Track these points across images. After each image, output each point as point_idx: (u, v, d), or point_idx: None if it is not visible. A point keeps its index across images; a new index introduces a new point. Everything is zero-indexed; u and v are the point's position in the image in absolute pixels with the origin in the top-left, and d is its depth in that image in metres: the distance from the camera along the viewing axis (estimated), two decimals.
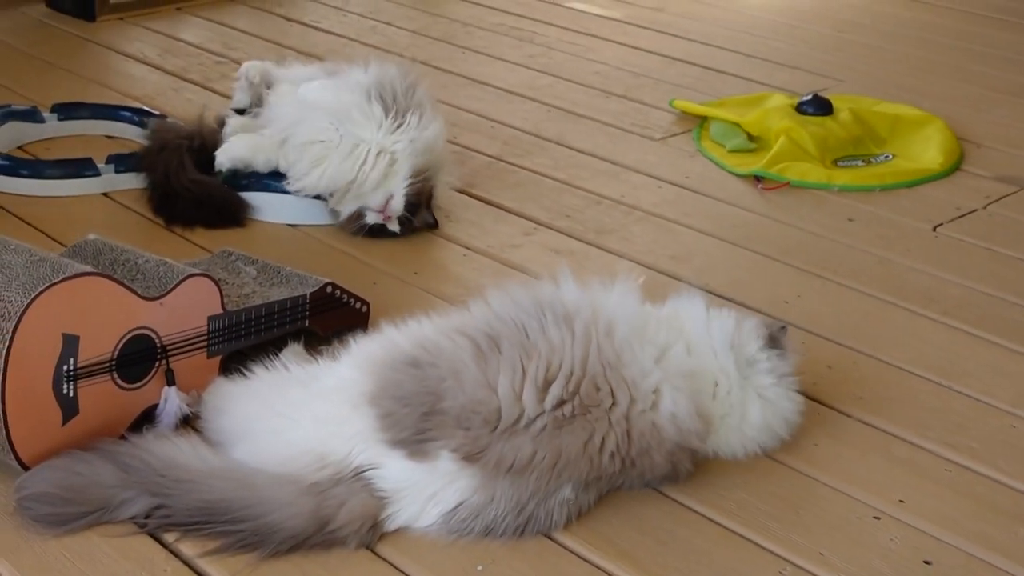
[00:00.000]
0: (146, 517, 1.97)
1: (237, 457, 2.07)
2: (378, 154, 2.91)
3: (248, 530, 1.93)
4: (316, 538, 1.94)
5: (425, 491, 1.99)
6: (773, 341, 2.26)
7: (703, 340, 2.19)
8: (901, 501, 2.15)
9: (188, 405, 2.21)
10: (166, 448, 2.06)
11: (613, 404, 2.03)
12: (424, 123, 2.99)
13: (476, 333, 2.07)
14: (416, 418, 1.98)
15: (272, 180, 3.06)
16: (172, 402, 2.20)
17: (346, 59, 3.38)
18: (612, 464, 2.04)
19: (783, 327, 2.30)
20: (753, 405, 2.19)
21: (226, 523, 1.94)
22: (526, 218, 3.18)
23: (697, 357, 2.16)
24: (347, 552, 1.95)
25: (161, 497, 1.97)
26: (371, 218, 2.95)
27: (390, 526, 1.99)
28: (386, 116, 2.95)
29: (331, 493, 1.98)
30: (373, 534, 1.97)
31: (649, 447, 2.06)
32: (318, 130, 2.94)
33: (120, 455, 2.03)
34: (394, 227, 2.96)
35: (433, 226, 3.03)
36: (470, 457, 1.97)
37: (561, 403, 2.00)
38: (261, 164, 3.05)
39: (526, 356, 2.03)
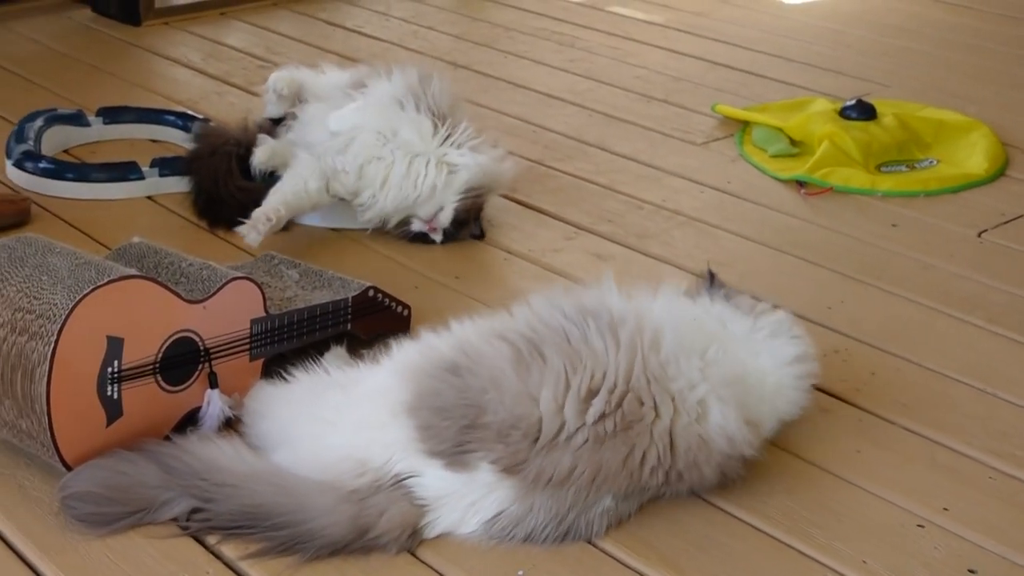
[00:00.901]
0: (187, 519, 1.99)
1: (278, 462, 2.08)
2: (437, 164, 2.93)
3: (288, 536, 1.94)
4: (356, 544, 1.95)
5: (464, 500, 1.99)
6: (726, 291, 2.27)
7: (729, 337, 2.17)
8: (945, 509, 2.13)
9: (231, 408, 2.23)
10: (209, 450, 2.07)
11: (656, 418, 2.01)
12: (490, 147, 3.03)
13: (518, 339, 2.05)
14: (456, 431, 1.97)
15: None
16: (215, 404, 2.21)
17: (379, 62, 3.40)
18: (654, 478, 2.02)
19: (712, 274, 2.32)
20: (775, 348, 2.18)
21: (266, 529, 1.95)
22: (567, 222, 3.18)
23: (732, 356, 2.13)
24: (387, 556, 1.96)
25: (202, 500, 1.99)
26: (417, 226, 2.96)
27: (430, 533, 1.99)
28: (438, 126, 2.97)
29: (371, 501, 1.98)
30: (413, 541, 1.98)
31: (697, 460, 2.03)
32: (370, 147, 2.94)
33: (163, 456, 2.04)
34: (437, 237, 2.97)
35: (479, 237, 3.04)
36: (509, 470, 1.96)
37: (603, 417, 1.98)
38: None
39: (570, 366, 2.00)
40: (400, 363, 2.11)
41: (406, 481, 2.00)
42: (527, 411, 1.96)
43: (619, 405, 1.99)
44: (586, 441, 1.96)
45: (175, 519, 1.99)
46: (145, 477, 2.02)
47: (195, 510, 1.99)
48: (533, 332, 2.06)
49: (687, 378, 2.05)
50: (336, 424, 2.07)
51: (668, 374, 2.04)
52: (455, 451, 1.97)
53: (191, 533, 1.98)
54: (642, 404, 2.00)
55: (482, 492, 1.98)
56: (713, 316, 2.22)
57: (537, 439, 1.95)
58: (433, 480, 1.99)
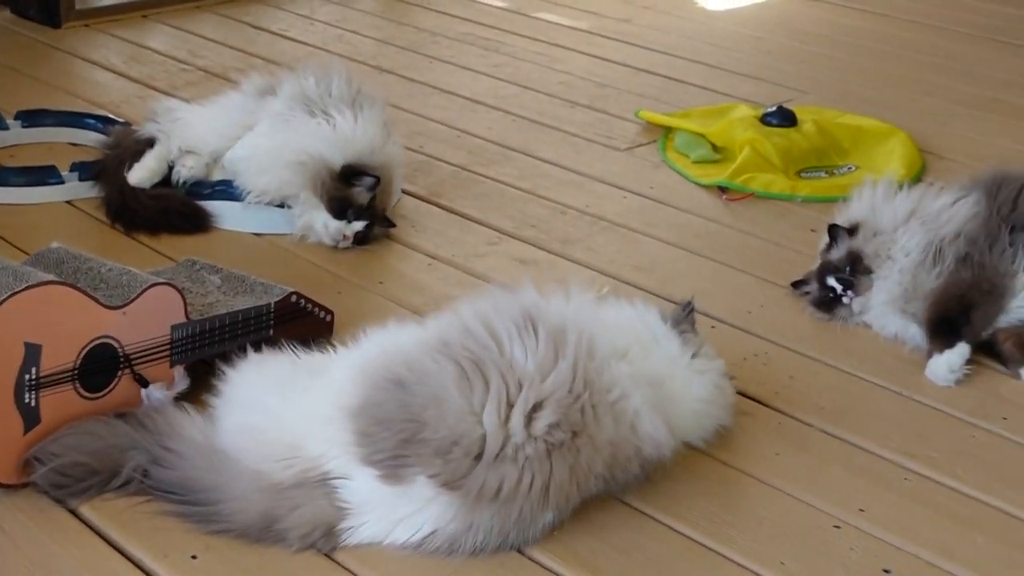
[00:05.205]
0: (139, 478, 2.06)
1: (233, 424, 2.10)
2: None
3: (201, 512, 2.00)
4: (262, 534, 1.98)
5: (394, 513, 1.98)
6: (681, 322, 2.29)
7: (650, 340, 2.21)
8: (861, 510, 2.17)
9: (169, 389, 2.23)
10: (178, 416, 2.16)
11: (598, 428, 2.02)
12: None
13: (460, 356, 2.02)
14: (394, 443, 1.96)
15: (237, 189, 3.06)
16: (154, 397, 2.21)
17: (263, 73, 3.44)
18: (597, 484, 2.05)
19: (688, 305, 2.34)
20: (696, 382, 2.21)
21: (187, 502, 2.02)
22: (491, 228, 3.18)
23: (654, 359, 2.17)
24: (308, 561, 1.96)
25: (152, 462, 2.06)
26: None
27: (350, 539, 1.99)
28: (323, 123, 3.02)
29: (288, 494, 1.99)
30: (327, 541, 1.98)
31: (630, 467, 2.08)
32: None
33: (140, 415, 2.14)
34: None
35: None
36: (449, 484, 1.95)
37: (551, 428, 1.97)
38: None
39: (513, 381, 1.99)
40: (357, 362, 2.10)
41: (333, 481, 2.00)
42: (469, 428, 1.95)
43: (565, 416, 1.99)
44: (535, 452, 1.96)
45: (128, 480, 2.06)
46: (119, 440, 2.08)
47: (145, 471, 2.05)
48: (471, 350, 2.03)
49: (621, 387, 2.06)
50: (293, 404, 2.08)
51: (604, 382, 2.05)
52: (391, 463, 1.96)
53: (133, 492, 2.06)
54: (583, 414, 2.01)
55: (415, 507, 1.97)
56: (645, 324, 2.25)
57: (480, 455, 1.94)
58: (362, 487, 1.99)
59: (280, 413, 2.08)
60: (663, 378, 2.15)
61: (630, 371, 2.10)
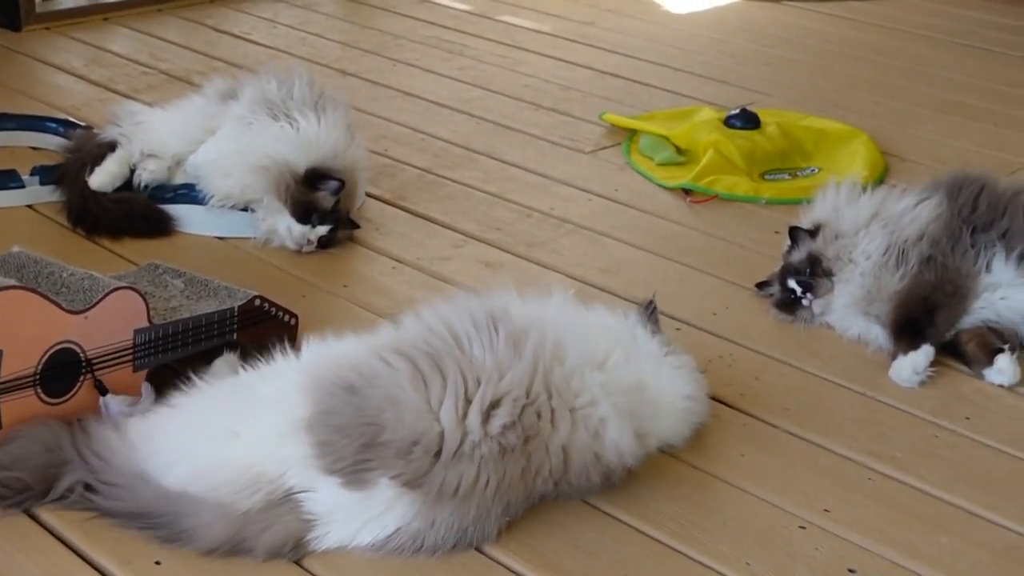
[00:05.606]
0: (80, 492, 2.01)
1: (174, 480, 2.01)
2: None
3: (165, 535, 1.96)
4: (230, 553, 1.95)
5: (359, 517, 1.97)
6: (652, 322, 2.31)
7: (632, 345, 2.21)
8: (826, 510, 2.18)
9: (129, 406, 2.19)
10: (111, 441, 2.07)
11: (553, 432, 2.02)
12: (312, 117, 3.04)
13: (416, 353, 2.02)
14: (354, 449, 1.95)
15: (200, 192, 3.04)
16: (112, 408, 2.18)
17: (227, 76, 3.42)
18: (546, 486, 2.05)
19: (651, 304, 2.34)
20: (679, 378, 2.23)
21: (146, 527, 1.97)
22: (456, 231, 3.18)
23: (637, 364, 2.17)
24: (275, 569, 1.94)
25: (101, 497, 2.00)
26: None
27: (318, 547, 1.97)
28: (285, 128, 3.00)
29: (256, 518, 1.96)
30: (296, 552, 1.96)
31: (588, 472, 2.07)
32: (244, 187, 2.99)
33: (76, 436, 2.07)
34: None
35: None
36: (411, 484, 1.94)
37: (505, 428, 1.98)
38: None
39: (471, 377, 2.00)
40: (303, 372, 2.07)
41: (297, 495, 1.98)
42: (427, 426, 1.95)
43: (519, 418, 1.99)
44: (490, 451, 1.96)
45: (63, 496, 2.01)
46: (55, 456, 2.03)
47: (82, 491, 2.01)
48: (431, 347, 2.03)
49: (590, 394, 2.06)
50: (239, 434, 2.03)
51: (572, 388, 2.05)
52: (353, 469, 1.95)
53: (78, 507, 2.01)
54: (539, 417, 2.01)
55: (380, 510, 1.96)
56: (626, 328, 2.25)
57: (439, 452, 1.94)
58: (327, 496, 1.97)
59: (220, 451, 2.02)
60: (647, 381, 2.16)
61: (603, 379, 2.09)
